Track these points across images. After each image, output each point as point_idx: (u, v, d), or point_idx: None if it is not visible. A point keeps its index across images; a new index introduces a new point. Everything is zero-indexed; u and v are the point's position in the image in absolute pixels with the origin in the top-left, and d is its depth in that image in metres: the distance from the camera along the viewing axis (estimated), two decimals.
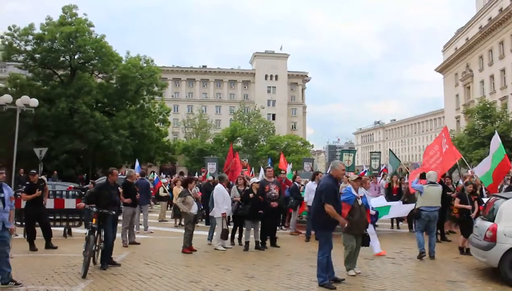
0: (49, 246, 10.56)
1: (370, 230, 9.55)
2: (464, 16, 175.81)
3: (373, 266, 9.01)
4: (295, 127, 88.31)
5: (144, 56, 34.56)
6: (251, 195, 10.79)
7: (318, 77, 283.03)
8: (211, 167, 28.36)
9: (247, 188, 11.52)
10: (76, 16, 31.53)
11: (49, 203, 12.10)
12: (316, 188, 7.86)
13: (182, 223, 15.71)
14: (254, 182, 11.25)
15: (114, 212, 8.38)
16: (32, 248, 10.27)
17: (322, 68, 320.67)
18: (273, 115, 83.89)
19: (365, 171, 24.41)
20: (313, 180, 12.99)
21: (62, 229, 12.63)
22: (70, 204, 12.86)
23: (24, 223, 10.98)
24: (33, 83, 30.87)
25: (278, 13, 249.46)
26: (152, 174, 32.26)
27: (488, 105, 40.57)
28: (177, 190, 15.68)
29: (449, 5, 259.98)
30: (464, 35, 60.00)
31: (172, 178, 28.38)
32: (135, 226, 11.78)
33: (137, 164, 23.96)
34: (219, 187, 10.83)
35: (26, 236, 10.62)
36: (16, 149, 18.85)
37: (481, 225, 8.42)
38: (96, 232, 8.10)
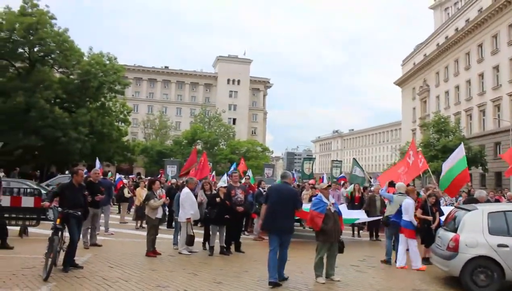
0: (4, 246, 10.04)
1: (413, 243, 9.79)
2: (422, 32, 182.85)
3: (339, 273, 9.07)
4: (255, 133, 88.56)
5: (107, 53, 33.71)
6: (217, 199, 10.70)
7: (280, 84, 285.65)
8: (171, 169, 27.87)
9: (214, 192, 11.46)
10: (38, 7, 30.28)
11: (5, 201, 11.55)
12: (279, 192, 8.12)
13: (144, 225, 15.45)
14: (221, 187, 11.18)
15: (79, 213, 8.07)
16: None
17: (284, 75, 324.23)
18: (234, 120, 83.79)
19: (322, 177, 24.72)
20: None
21: (18, 228, 12.06)
22: (27, 202, 12.27)
23: None
24: None
25: (241, 18, 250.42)
26: (109, 173, 31.50)
27: (442, 120, 42.12)
28: (141, 191, 15.42)
29: (409, 20, 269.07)
30: (422, 51, 62.21)
31: (130, 178, 27.71)
32: (96, 227, 11.40)
33: (97, 163, 23.33)
34: (186, 190, 10.63)
35: None
36: None
37: (444, 235, 8.69)
38: (60, 232, 7.79)
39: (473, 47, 47.06)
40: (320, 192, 8.48)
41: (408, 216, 9.88)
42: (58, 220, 7.83)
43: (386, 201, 11.09)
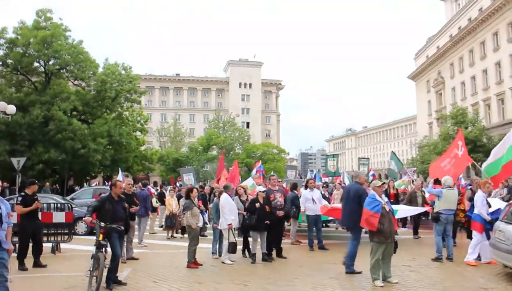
0: (37, 264, 9.68)
1: (477, 236, 9.53)
2: (434, 24, 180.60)
3: (393, 274, 8.61)
4: (269, 135, 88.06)
5: (122, 63, 33.51)
6: (257, 204, 10.27)
7: (291, 85, 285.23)
8: (188, 178, 27.16)
9: (251, 197, 11.06)
10: (51, 20, 30.13)
11: None
12: (347, 192, 9.06)
13: (175, 234, 15.11)
14: (260, 191, 10.75)
15: (122, 228, 7.72)
16: (22, 267, 9.33)
17: (294, 75, 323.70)
18: (247, 124, 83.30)
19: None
20: (306, 188, 12.71)
21: (49, 244, 11.71)
22: (58, 217, 11.99)
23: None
24: (5, 90, 29.35)
25: (252, 20, 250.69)
26: (148, 186, 31.12)
27: (461, 111, 41.36)
28: (170, 200, 15.08)
29: (419, 13, 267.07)
30: (435, 43, 61.29)
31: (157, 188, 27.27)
32: (132, 240, 11.03)
33: (120, 173, 23.10)
34: (225, 196, 10.23)
35: (16, 254, 9.72)
36: None
37: (506, 229, 8.19)
38: (103, 248, 7.42)
39: (488, 36, 46.20)
40: (373, 190, 8.03)
41: (477, 208, 9.56)
42: (100, 236, 7.47)
43: (434, 198, 10.61)
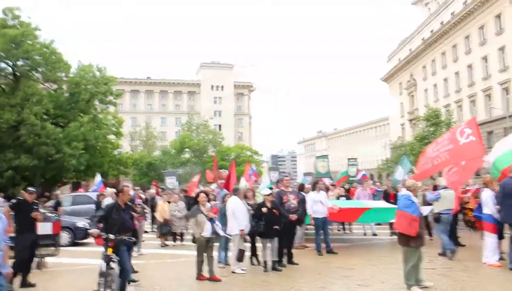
0: (26, 283, 8.57)
1: (491, 237, 9.23)
2: (406, 28, 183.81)
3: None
4: (241, 138, 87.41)
5: (97, 64, 32.04)
6: (263, 209, 9.50)
7: (262, 87, 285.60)
8: (170, 181, 26.18)
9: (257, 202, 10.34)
10: (19, 19, 28.50)
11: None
12: (503, 187, 8.80)
13: (166, 242, 14.19)
14: (266, 195, 9.96)
15: (133, 239, 6.86)
16: (10, 287, 8.29)
17: (265, 78, 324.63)
18: (220, 126, 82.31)
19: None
20: (313, 189, 12.08)
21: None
22: (44, 228, 10.81)
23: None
24: None
25: (222, 23, 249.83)
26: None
27: (436, 113, 41.79)
28: (164, 206, 14.17)
29: (392, 16, 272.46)
30: (407, 46, 62.13)
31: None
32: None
33: (99, 178, 21.96)
34: (235, 199, 9.46)
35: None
36: None
37: None
38: (112, 263, 6.53)
39: (460, 39, 47.13)
40: (408, 191, 7.39)
41: (489, 208, 9.20)
42: (109, 249, 6.56)
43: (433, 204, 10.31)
